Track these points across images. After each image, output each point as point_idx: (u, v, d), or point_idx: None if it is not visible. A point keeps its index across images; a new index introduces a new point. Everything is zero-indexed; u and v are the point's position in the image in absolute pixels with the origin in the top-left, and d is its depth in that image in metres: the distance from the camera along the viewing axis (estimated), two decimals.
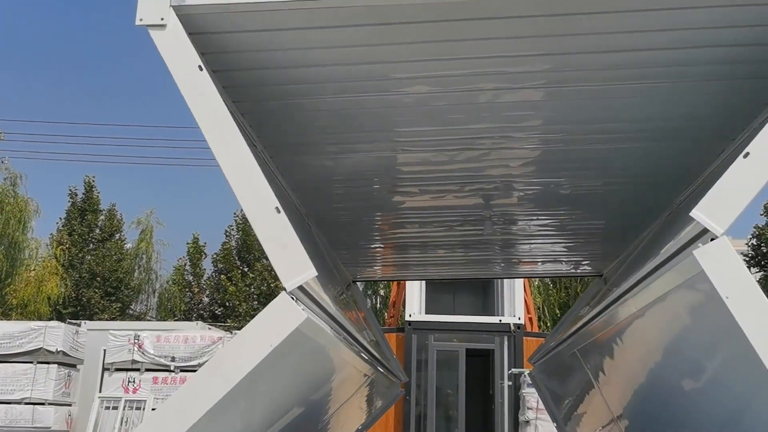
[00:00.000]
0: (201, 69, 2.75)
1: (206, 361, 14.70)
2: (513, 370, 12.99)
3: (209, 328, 18.09)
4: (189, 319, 28.25)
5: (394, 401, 8.63)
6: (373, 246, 6.58)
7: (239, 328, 17.37)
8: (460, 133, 3.85)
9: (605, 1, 2.62)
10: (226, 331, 17.96)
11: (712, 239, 2.34)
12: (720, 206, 2.35)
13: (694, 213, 2.37)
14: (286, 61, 3.18)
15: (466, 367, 13.71)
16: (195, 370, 14.66)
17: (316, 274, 2.54)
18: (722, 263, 2.28)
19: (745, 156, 2.38)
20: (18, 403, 14.07)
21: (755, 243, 37.16)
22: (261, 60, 3.18)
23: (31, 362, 14.37)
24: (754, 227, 37.34)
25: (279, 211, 2.58)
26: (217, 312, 33.84)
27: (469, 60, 3.12)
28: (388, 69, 3.25)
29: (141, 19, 2.80)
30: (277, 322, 2.46)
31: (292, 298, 2.49)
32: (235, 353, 2.45)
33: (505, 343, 13.40)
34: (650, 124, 3.62)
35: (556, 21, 2.75)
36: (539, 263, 7.33)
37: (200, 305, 34.74)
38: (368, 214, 5.54)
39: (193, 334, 15.75)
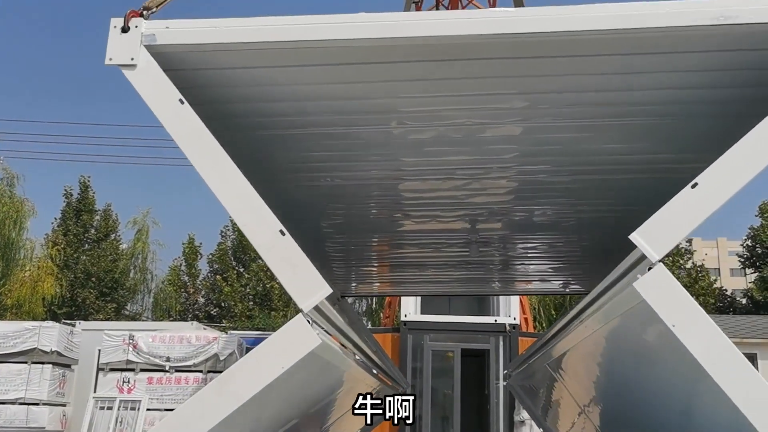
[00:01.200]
0: (182, 102, 2.71)
1: (201, 361, 14.77)
2: (508, 370, 13.01)
3: (204, 329, 18.05)
4: (184, 320, 28.21)
5: None
6: (361, 265, 6.70)
7: (235, 329, 17.36)
8: (441, 164, 3.96)
9: (577, 47, 2.67)
10: (221, 331, 17.93)
11: (649, 268, 2.34)
12: (660, 233, 2.34)
13: (633, 236, 2.36)
14: (263, 96, 3.20)
15: (462, 367, 13.71)
16: (190, 371, 14.65)
17: (331, 291, 2.51)
18: (664, 292, 2.28)
19: (693, 186, 2.38)
20: (12, 403, 14.02)
21: (750, 244, 37.27)
22: (240, 94, 3.18)
23: (26, 362, 14.32)
24: (750, 228, 37.46)
25: (284, 234, 2.54)
26: (212, 312, 33.81)
27: (449, 97, 3.17)
28: (361, 105, 3.31)
29: (110, 59, 2.77)
30: (292, 344, 2.43)
31: (308, 321, 2.46)
32: (246, 373, 2.43)
33: (501, 343, 13.41)
34: (626, 157, 3.71)
35: (533, 63, 2.81)
36: (527, 283, 7.58)
37: (196, 305, 34.70)
38: (355, 236, 5.66)
39: (189, 334, 15.71)
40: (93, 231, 33.94)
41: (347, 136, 3.63)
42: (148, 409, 14.37)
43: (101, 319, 27.80)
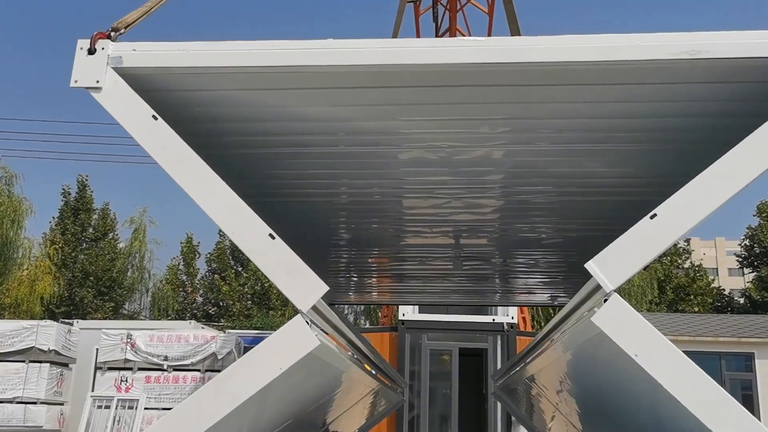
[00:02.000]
0: (156, 119, 2.70)
1: (199, 360, 14.77)
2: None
3: (202, 328, 18.05)
4: (182, 319, 28.22)
5: (396, 407, 8.67)
6: (346, 275, 6.77)
7: (233, 328, 17.36)
8: (424, 183, 4.06)
9: (557, 77, 2.70)
10: (219, 330, 17.92)
11: (605, 300, 2.34)
12: (616, 263, 2.35)
13: (589, 265, 2.37)
14: (233, 116, 3.20)
15: (460, 366, 13.72)
16: (188, 370, 14.64)
17: (328, 288, 2.51)
18: (621, 323, 2.30)
19: (652, 217, 2.39)
20: (10, 402, 14.00)
21: (748, 244, 37.30)
22: (212, 114, 3.18)
23: (23, 361, 14.32)
24: (748, 228, 37.48)
25: (273, 237, 2.54)
26: (210, 311, 33.81)
27: (426, 121, 3.21)
28: (318, 126, 3.34)
29: (75, 81, 2.75)
30: (290, 346, 2.42)
31: (307, 322, 2.45)
32: (244, 373, 2.42)
33: (498, 342, 13.42)
34: (606, 180, 3.78)
35: (515, 90, 2.85)
36: (516, 295, 7.77)
37: (194, 305, 34.70)
38: (339, 247, 5.76)
39: (186, 333, 15.71)
40: (91, 230, 33.91)
41: (319, 155, 3.68)
42: (145, 408, 14.37)
43: (99, 318, 27.79)
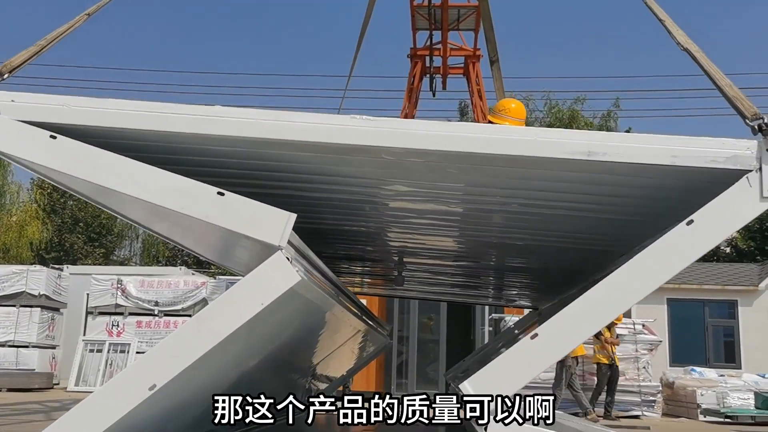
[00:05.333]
0: (55, 137, 2.57)
1: (190, 305, 14.88)
2: (493, 315, 13.19)
3: (193, 274, 18.13)
4: (173, 265, 28.30)
5: (383, 350, 8.85)
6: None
7: (223, 274, 17.42)
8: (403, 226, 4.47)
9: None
10: (210, 276, 18.00)
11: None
12: (494, 382, 2.38)
13: (464, 386, 2.39)
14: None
15: (447, 314, 13.89)
16: (178, 315, 14.77)
17: (295, 215, 2.50)
18: None
19: (533, 337, 2.42)
20: (2, 345, 14.14)
21: None
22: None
23: (14, 305, 14.39)
24: None
25: (223, 194, 2.50)
26: (201, 258, 33.87)
27: (428, 190, 3.40)
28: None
29: None
30: (271, 281, 2.41)
31: (287, 258, 2.45)
32: (225, 310, 2.42)
33: None
34: (570, 234, 4.07)
35: (495, 171, 2.95)
36: (484, 299, 9.07)
37: (184, 251, 34.73)
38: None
39: (177, 279, 15.79)
40: None
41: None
42: (137, 352, 14.54)
43: (90, 264, 27.84)
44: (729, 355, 16.74)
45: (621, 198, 3.17)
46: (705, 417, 11.62)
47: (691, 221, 2.52)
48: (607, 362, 11.18)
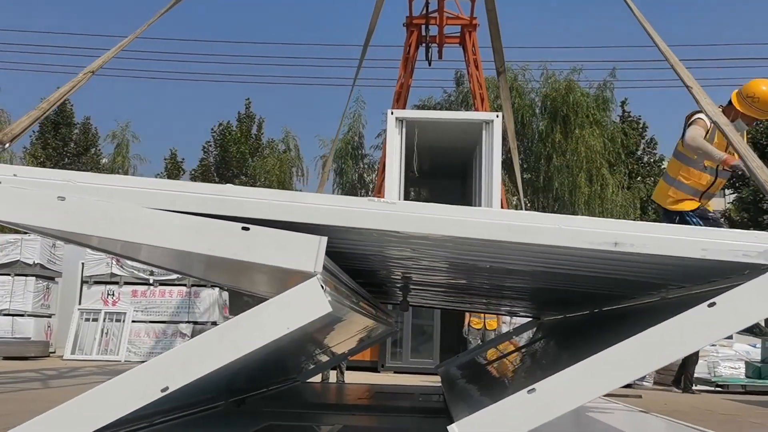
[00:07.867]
0: (63, 198, 2.44)
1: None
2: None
3: None
4: None
5: (388, 336, 8.98)
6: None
7: None
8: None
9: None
10: None
11: None
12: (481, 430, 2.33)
13: (451, 427, 2.31)
14: None
15: None
16: (174, 284, 14.79)
17: (326, 238, 2.45)
18: None
19: (530, 392, 2.34)
20: None
21: None
22: None
23: (9, 274, 14.40)
24: None
25: (247, 228, 2.40)
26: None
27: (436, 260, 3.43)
28: None
29: None
30: (301, 307, 2.35)
31: (321, 286, 2.41)
32: (250, 327, 2.41)
33: None
34: (569, 285, 4.09)
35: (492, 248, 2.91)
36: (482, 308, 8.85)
37: None
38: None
39: None
40: (72, 145, 33.46)
41: None
42: (133, 321, 14.61)
43: None
44: None
45: (644, 273, 3.21)
46: (696, 386, 11.78)
47: (713, 303, 2.52)
48: None
